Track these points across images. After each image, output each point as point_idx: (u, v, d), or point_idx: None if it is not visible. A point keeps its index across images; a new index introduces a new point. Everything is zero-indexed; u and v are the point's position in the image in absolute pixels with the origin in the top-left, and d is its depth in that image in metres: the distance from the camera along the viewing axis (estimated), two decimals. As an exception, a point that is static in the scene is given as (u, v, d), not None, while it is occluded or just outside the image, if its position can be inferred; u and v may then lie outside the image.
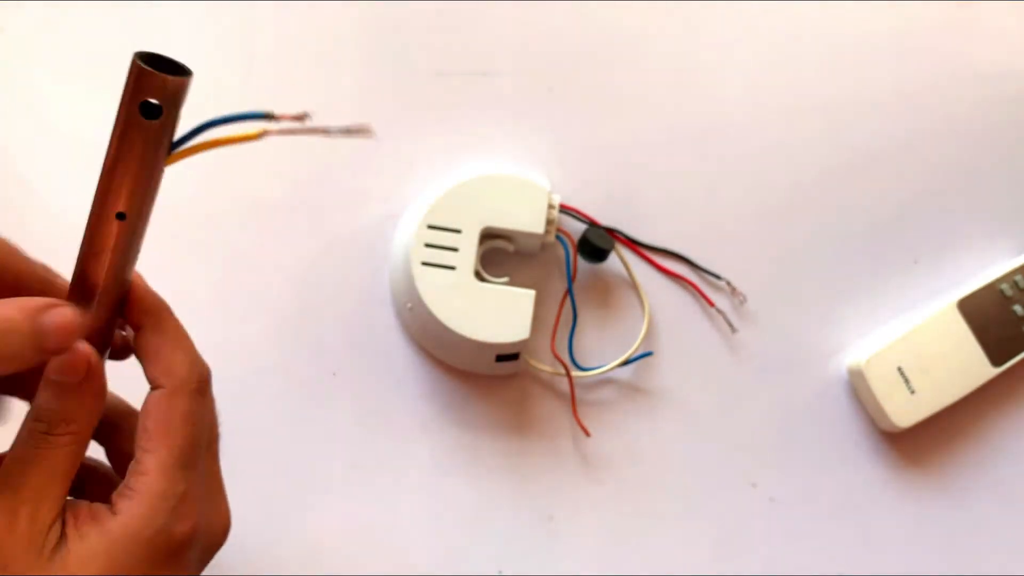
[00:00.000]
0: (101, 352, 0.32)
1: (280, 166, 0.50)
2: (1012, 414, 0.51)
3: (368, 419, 0.49)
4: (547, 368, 0.49)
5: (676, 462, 0.50)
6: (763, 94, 0.53)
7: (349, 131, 0.31)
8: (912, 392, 0.49)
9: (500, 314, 0.46)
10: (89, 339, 0.31)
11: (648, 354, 0.50)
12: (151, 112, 0.28)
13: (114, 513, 0.30)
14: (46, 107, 0.50)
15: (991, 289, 0.50)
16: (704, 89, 0.52)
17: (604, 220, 0.50)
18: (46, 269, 0.33)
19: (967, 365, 0.49)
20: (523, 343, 0.46)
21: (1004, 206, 0.53)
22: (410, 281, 0.46)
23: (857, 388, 0.50)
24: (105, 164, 0.29)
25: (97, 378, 0.31)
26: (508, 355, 0.47)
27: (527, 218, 0.47)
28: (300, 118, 0.30)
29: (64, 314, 0.29)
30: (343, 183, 0.50)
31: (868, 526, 0.50)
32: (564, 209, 0.49)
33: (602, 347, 0.50)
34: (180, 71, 0.28)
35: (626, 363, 0.49)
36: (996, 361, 0.49)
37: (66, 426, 0.30)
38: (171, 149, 0.29)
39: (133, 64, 0.27)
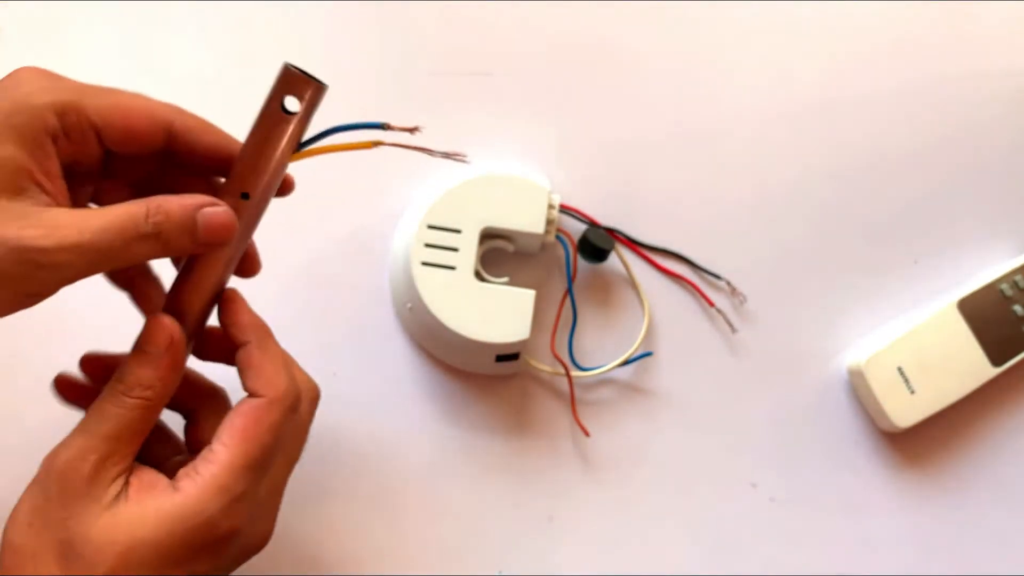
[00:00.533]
0: (190, 336, 0.35)
1: (280, 166, 0.50)
2: (1012, 414, 0.51)
3: (368, 419, 0.48)
4: (547, 368, 0.49)
5: (676, 462, 0.50)
6: (762, 94, 0.53)
7: (448, 155, 0.36)
8: (912, 392, 0.49)
9: (500, 314, 0.46)
10: (183, 320, 0.34)
11: (648, 354, 0.50)
12: (290, 110, 0.33)
13: (175, 489, 0.33)
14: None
15: (991, 289, 0.50)
16: (704, 89, 0.52)
17: (604, 220, 0.50)
18: (229, 140, 0.36)
19: (967, 365, 0.49)
20: (523, 343, 0.46)
21: (1004, 206, 0.53)
22: (410, 281, 0.46)
23: (857, 388, 0.50)
24: (241, 151, 0.34)
25: (177, 354, 0.34)
26: (508, 355, 0.47)
27: (527, 218, 0.46)
28: (411, 130, 0.35)
29: (217, 211, 0.33)
30: (343, 183, 0.50)
31: (868, 526, 0.50)
32: (564, 209, 0.49)
33: (602, 347, 0.50)
34: (318, 82, 0.33)
35: (626, 363, 0.49)
36: (996, 361, 0.49)
37: (141, 390, 0.33)
38: (299, 148, 0.34)
39: (283, 67, 0.33)
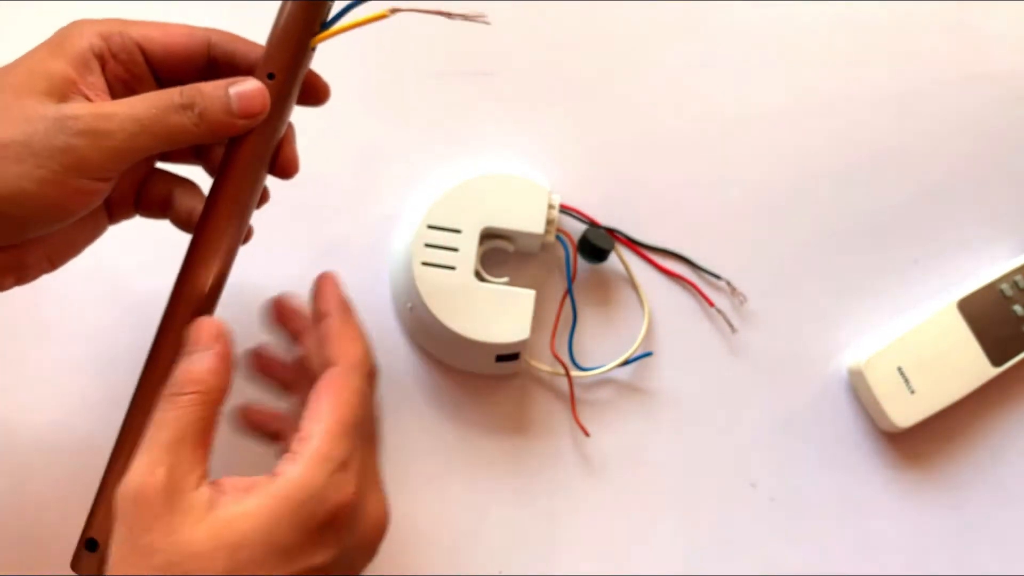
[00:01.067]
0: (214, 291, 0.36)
1: (280, 166, 0.50)
2: (1012, 414, 0.51)
3: (368, 419, 0.49)
4: (547, 368, 0.49)
5: (676, 462, 0.50)
6: (762, 94, 0.53)
7: (467, 17, 0.38)
8: (912, 392, 0.49)
9: (500, 314, 0.46)
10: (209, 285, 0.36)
11: (648, 354, 0.50)
12: None
13: (274, 475, 0.31)
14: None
15: (991, 289, 0.50)
16: (704, 89, 0.52)
17: (604, 220, 0.50)
18: (259, 50, 0.37)
19: (967, 365, 0.49)
20: (523, 343, 0.46)
21: (1004, 206, 0.53)
22: (410, 281, 0.46)
23: (857, 388, 0.50)
24: (269, 35, 0.36)
25: (224, 345, 0.33)
26: (508, 355, 0.47)
27: (527, 218, 0.46)
28: (480, 16, 0.37)
29: (246, 83, 0.35)
30: (343, 183, 0.50)
31: (868, 526, 0.50)
32: (564, 209, 0.49)
33: (602, 347, 0.50)
34: None
35: (626, 363, 0.49)
36: (996, 361, 0.49)
37: (193, 386, 0.32)
38: (320, 30, 0.36)
39: None
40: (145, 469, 0.30)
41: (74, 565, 0.34)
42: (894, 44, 0.54)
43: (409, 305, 0.47)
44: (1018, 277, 0.50)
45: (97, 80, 0.34)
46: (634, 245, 0.51)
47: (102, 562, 0.33)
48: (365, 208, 0.50)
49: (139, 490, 0.29)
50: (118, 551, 0.29)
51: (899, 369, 0.49)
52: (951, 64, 0.54)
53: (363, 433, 0.33)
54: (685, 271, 0.51)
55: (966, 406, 0.50)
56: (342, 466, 0.31)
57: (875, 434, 0.51)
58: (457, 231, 0.46)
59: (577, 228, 0.50)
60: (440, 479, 0.49)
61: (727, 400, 0.50)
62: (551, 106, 0.52)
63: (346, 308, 0.37)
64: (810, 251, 0.52)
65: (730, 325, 0.51)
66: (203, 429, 0.32)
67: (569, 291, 0.49)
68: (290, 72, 0.36)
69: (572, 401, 0.49)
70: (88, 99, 0.34)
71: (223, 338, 0.33)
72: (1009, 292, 0.50)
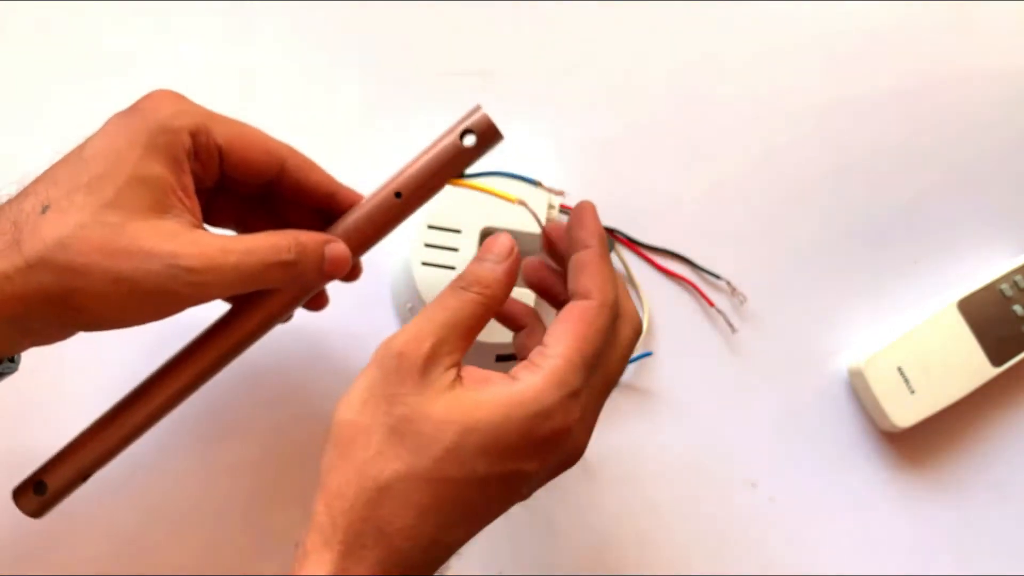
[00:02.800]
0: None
1: (280, 166, 0.50)
2: (1012, 414, 0.51)
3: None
4: (547, 368, 0.49)
5: (676, 462, 0.50)
6: (763, 94, 0.53)
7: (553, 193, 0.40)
8: (912, 392, 0.49)
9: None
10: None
11: (648, 354, 0.50)
12: (466, 144, 0.37)
13: (513, 379, 0.33)
14: (46, 107, 0.50)
15: (991, 289, 0.50)
16: (705, 89, 0.53)
17: (604, 220, 0.49)
18: (330, 180, 0.39)
19: (967, 365, 0.49)
20: (523, 343, 0.46)
21: (1004, 206, 0.53)
22: (410, 281, 0.46)
23: (857, 388, 0.50)
24: (413, 161, 0.38)
25: (515, 262, 0.36)
26: (508, 355, 0.47)
27: (527, 218, 0.46)
28: (559, 192, 0.40)
29: (339, 247, 0.37)
30: (343, 183, 0.50)
31: (868, 526, 0.50)
32: (564, 209, 0.49)
33: (602, 347, 0.50)
34: (498, 131, 0.38)
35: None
36: (996, 361, 0.49)
37: (480, 288, 0.35)
38: (459, 175, 0.38)
39: (477, 107, 0.38)
40: (415, 335, 0.33)
41: (16, 497, 0.37)
42: (894, 44, 0.54)
43: (409, 305, 0.47)
44: (1018, 277, 0.50)
45: (188, 182, 0.35)
46: (634, 245, 0.51)
47: (44, 507, 0.37)
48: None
49: (405, 348, 0.33)
50: (363, 387, 0.33)
51: (899, 369, 0.49)
52: (951, 64, 0.54)
53: (598, 370, 0.35)
54: (685, 271, 0.51)
55: (966, 406, 0.50)
56: (574, 393, 0.33)
57: (875, 434, 0.51)
58: (457, 231, 0.46)
59: (577, 228, 0.50)
60: (440, 479, 0.49)
61: (727, 400, 0.50)
62: (551, 106, 0.52)
63: (604, 244, 0.37)
64: (810, 251, 0.52)
65: (730, 325, 0.51)
66: (473, 326, 0.35)
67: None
68: (418, 197, 0.38)
69: (572, 401, 0.49)
70: (185, 206, 0.34)
71: (513, 255, 0.36)
72: (1009, 292, 0.50)
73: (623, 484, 0.49)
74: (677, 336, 0.51)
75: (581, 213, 0.37)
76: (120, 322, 0.33)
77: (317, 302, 0.42)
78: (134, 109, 0.35)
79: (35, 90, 0.50)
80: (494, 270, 0.36)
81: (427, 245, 0.46)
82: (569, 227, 0.38)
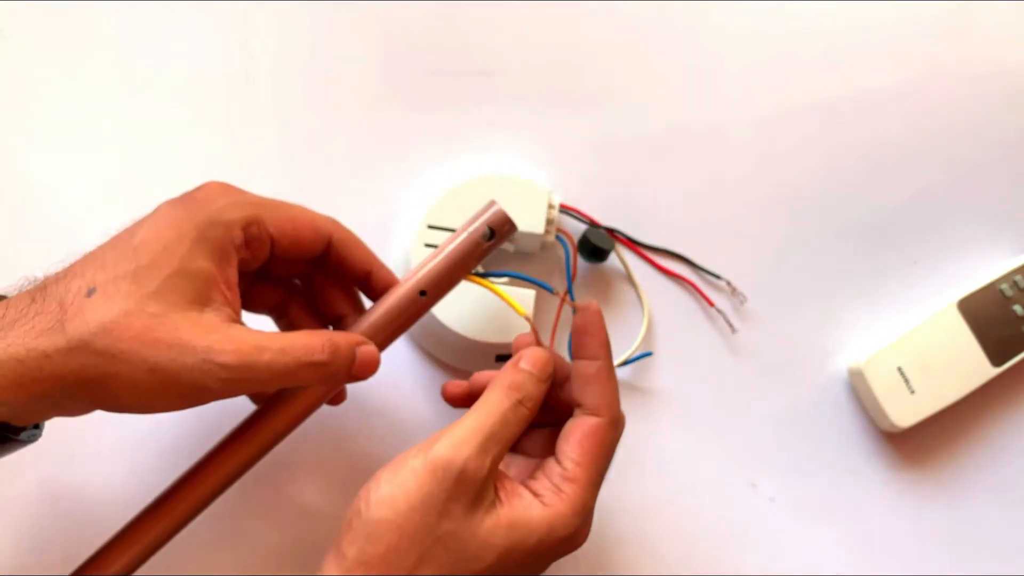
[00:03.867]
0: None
1: (281, 166, 0.50)
2: (1012, 414, 0.51)
3: (368, 420, 0.48)
4: (547, 368, 0.49)
5: (676, 462, 0.50)
6: (763, 94, 0.53)
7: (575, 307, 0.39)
8: (912, 392, 0.49)
9: (500, 314, 0.46)
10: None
11: (648, 354, 0.50)
12: (488, 236, 0.39)
13: (544, 504, 0.36)
14: (46, 107, 0.50)
15: (991, 289, 0.50)
16: (704, 89, 0.53)
17: (604, 220, 0.50)
18: (370, 256, 0.40)
19: (967, 365, 0.49)
20: (523, 343, 0.46)
21: (1004, 206, 0.53)
22: (410, 281, 0.46)
23: (857, 388, 0.50)
24: (433, 255, 0.39)
25: (549, 375, 0.38)
26: (508, 355, 0.47)
27: (527, 218, 0.46)
28: (573, 306, 0.39)
29: (370, 349, 0.37)
30: (343, 183, 0.50)
31: (868, 526, 0.50)
32: (564, 209, 0.49)
33: (602, 347, 0.50)
34: (513, 224, 0.40)
35: (626, 363, 0.49)
36: (996, 361, 0.49)
37: (532, 404, 0.37)
38: (475, 271, 0.40)
39: (492, 202, 0.39)
40: (479, 451, 0.34)
41: None
42: (894, 44, 0.54)
43: (409, 305, 0.47)
44: (1018, 277, 0.50)
45: (232, 275, 0.36)
46: (634, 245, 0.51)
47: None
48: (365, 208, 0.50)
49: (467, 466, 0.34)
50: (416, 494, 0.34)
51: (899, 369, 0.49)
52: (951, 64, 0.54)
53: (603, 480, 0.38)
54: (685, 271, 0.51)
55: (966, 406, 0.50)
56: (590, 513, 0.37)
57: (875, 434, 0.51)
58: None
59: (577, 228, 0.50)
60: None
61: (727, 400, 0.50)
62: (551, 106, 0.52)
63: (610, 355, 0.38)
64: (810, 251, 0.52)
65: (730, 325, 0.51)
66: (517, 435, 0.37)
67: (569, 291, 0.49)
68: (440, 293, 0.39)
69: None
70: (225, 299, 0.35)
71: (549, 368, 0.38)
72: (1009, 292, 0.50)
73: (623, 484, 0.49)
74: (677, 336, 0.51)
75: (588, 319, 0.38)
76: (146, 408, 0.34)
77: (337, 397, 0.43)
78: (187, 199, 0.35)
79: (35, 89, 0.50)
80: (540, 388, 0.38)
81: (427, 245, 0.46)
82: (575, 330, 0.38)
